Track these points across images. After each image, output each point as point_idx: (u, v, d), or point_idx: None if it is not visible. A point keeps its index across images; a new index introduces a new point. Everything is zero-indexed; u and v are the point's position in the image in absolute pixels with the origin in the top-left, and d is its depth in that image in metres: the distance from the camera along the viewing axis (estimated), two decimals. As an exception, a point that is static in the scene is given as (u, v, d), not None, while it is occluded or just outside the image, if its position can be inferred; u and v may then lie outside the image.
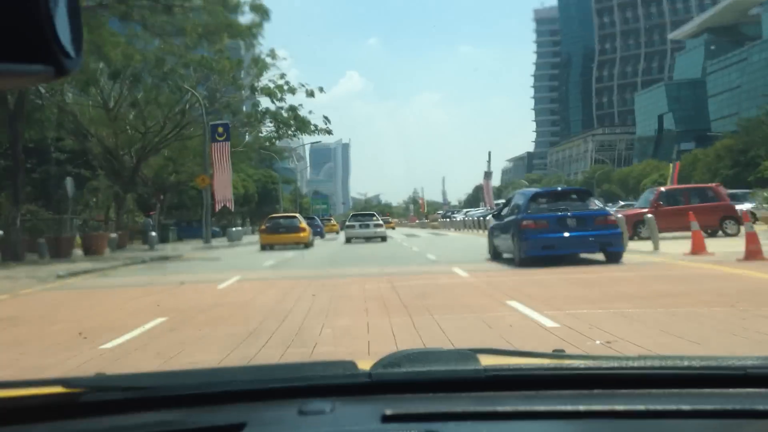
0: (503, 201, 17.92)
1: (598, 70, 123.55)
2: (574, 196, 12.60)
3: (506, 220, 12.72)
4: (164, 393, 1.14)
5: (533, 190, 14.03)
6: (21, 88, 15.60)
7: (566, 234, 11.46)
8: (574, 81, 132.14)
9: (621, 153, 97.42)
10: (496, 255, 13.49)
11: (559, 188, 15.22)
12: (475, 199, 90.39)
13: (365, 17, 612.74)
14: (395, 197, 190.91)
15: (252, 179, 56.18)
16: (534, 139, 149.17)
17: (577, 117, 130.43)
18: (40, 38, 0.56)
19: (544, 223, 11.58)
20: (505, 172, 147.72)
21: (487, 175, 55.43)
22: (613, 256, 11.54)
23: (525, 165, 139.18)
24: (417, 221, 72.77)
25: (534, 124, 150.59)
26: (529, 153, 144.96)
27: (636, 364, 1.17)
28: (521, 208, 12.09)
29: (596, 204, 12.59)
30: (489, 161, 58.33)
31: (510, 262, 12.25)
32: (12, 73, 0.57)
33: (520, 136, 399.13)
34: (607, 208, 14.22)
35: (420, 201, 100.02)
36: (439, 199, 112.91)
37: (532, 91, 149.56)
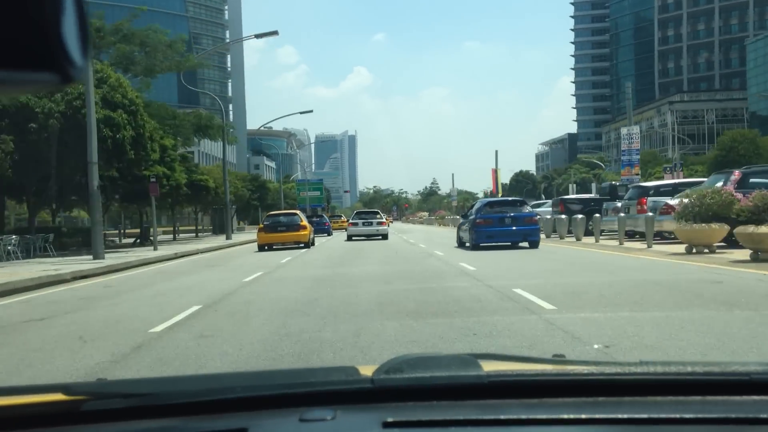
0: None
1: (660, 30, 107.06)
2: (517, 203, 19.03)
3: (468, 219, 18.95)
4: (165, 400, 1.17)
5: (489, 198, 20.30)
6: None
7: (502, 228, 17.59)
8: (626, 44, 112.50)
9: (711, 125, 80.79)
10: (461, 244, 19.70)
11: (509, 198, 21.57)
12: (511, 190, 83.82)
13: (372, 13, 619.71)
14: (407, 189, 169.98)
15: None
16: (575, 118, 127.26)
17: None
18: (46, 46, 0.59)
19: (490, 221, 17.77)
20: (539, 157, 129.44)
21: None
22: (533, 244, 17.64)
23: (566, 148, 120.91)
24: None
25: (573, 99, 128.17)
26: (570, 134, 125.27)
27: (638, 370, 1.21)
28: (478, 211, 18.30)
29: (528, 209, 18.64)
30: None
31: (468, 248, 18.44)
32: (18, 80, 0.60)
33: (552, 117, 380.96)
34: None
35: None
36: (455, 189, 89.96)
37: (571, 61, 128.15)
